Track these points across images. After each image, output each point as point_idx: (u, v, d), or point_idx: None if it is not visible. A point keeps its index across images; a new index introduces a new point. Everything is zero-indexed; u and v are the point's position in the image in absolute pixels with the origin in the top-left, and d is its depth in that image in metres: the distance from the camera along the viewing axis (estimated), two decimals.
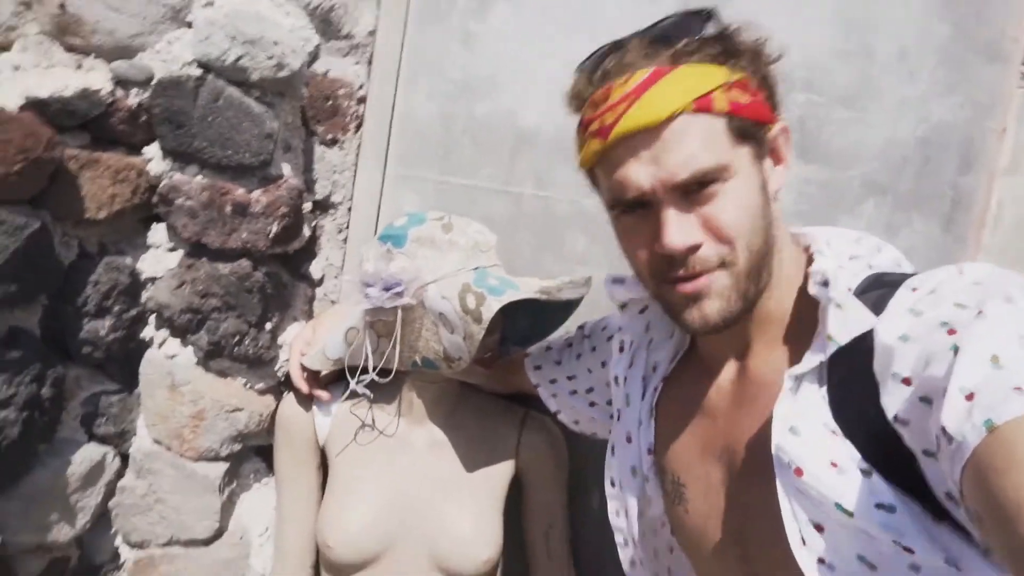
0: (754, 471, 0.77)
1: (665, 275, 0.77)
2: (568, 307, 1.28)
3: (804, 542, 0.67)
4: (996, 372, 0.52)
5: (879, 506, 0.62)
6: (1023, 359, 0.52)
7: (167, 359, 1.30)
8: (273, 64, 1.21)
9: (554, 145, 1.42)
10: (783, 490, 0.68)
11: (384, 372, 1.18)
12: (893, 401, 0.62)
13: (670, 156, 0.72)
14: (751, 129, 0.75)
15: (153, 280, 1.29)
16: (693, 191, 0.73)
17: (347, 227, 1.48)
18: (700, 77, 0.72)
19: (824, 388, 0.70)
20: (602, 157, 0.78)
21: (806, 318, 0.77)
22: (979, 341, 0.55)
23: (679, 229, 0.73)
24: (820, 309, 0.73)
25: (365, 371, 1.19)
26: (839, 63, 1.35)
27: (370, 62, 1.44)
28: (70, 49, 1.23)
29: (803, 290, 0.79)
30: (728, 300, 0.75)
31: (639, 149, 0.73)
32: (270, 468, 1.38)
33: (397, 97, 1.45)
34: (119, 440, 1.31)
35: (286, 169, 1.31)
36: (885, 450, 0.63)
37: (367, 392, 1.24)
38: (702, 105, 0.72)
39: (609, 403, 1.11)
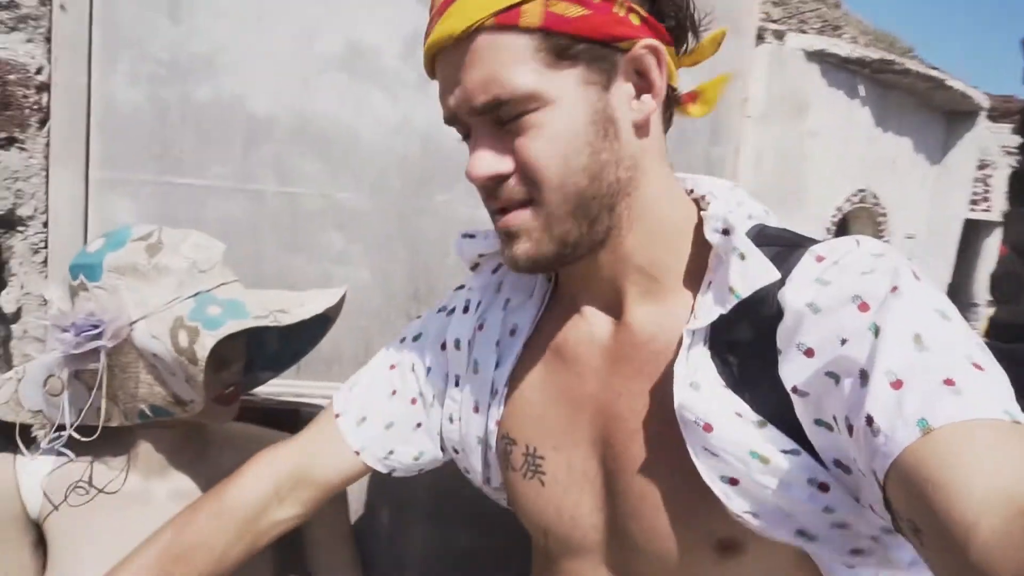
0: (635, 432, 0.70)
1: (488, 206, 0.70)
2: (326, 320, 1.13)
3: (728, 496, 0.62)
4: (921, 355, 0.50)
5: (784, 452, 0.60)
6: (945, 340, 0.50)
7: None
8: None
9: (296, 132, 1.25)
10: (692, 448, 0.63)
11: (86, 430, 0.96)
12: (792, 370, 0.59)
13: (468, 76, 0.63)
14: (579, 49, 0.63)
15: None
16: (504, 120, 0.64)
17: (45, 246, 1.20)
18: None
19: (706, 344, 0.65)
20: (431, 74, 0.70)
21: (692, 268, 0.70)
22: (899, 321, 0.52)
23: (481, 158, 0.65)
24: (714, 256, 0.67)
25: (62, 428, 0.97)
26: None
27: (48, 39, 1.16)
28: None
29: (691, 237, 0.71)
30: (537, 242, 0.67)
31: (444, 67, 0.66)
32: None
33: (91, 82, 1.19)
34: None
35: None
36: (775, 413, 0.61)
37: (67, 452, 1.02)
38: (505, 19, 0.61)
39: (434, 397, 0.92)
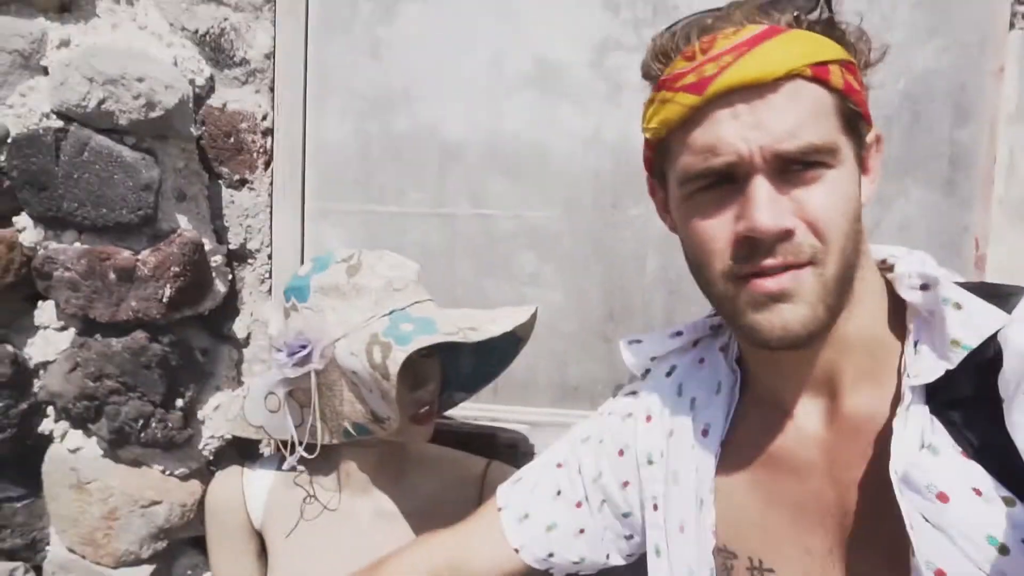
0: (873, 531, 0.63)
1: (743, 266, 0.64)
2: (519, 341, 1.10)
3: None
4: None
5: None
6: None
7: (70, 454, 1.13)
8: (142, 104, 1.06)
9: (487, 156, 1.25)
10: (910, 520, 0.56)
11: (310, 447, 1.01)
12: (1016, 418, 0.53)
13: (778, 121, 0.61)
14: (857, 120, 0.65)
15: (45, 366, 1.13)
16: (794, 170, 0.62)
17: (270, 276, 1.31)
18: (819, 45, 0.63)
19: (927, 407, 0.60)
20: (691, 116, 0.65)
21: (892, 341, 0.67)
22: None
23: (772, 207, 0.61)
24: (913, 315, 0.65)
25: (293, 449, 1.02)
26: None
27: (272, 88, 1.28)
28: None
29: (889, 311, 0.69)
30: (814, 308, 0.63)
31: (740, 108, 0.62)
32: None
33: (307, 123, 1.29)
34: (30, 552, 1.15)
35: (182, 221, 1.15)
36: (1019, 475, 0.53)
37: (299, 468, 1.08)
38: (820, 73, 0.62)
39: (614, 510, 0.87)
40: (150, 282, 1.09)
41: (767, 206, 0.61)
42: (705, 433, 0.77)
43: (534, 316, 1.03)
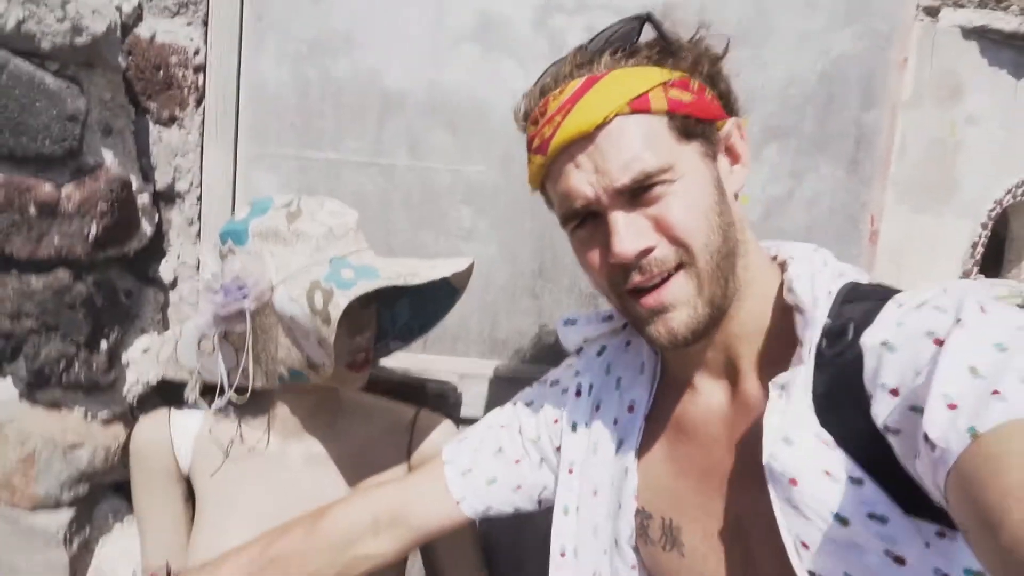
0: (751, 489, 0.70)
1: (622, 285, 0.74)
2: (454, 293, 1.13)
3: (799, 557, 0.64)
4: (975, 381, 0.53)
5: (871, 516, 0.61)
6: (1000, 366, 0.52)
7: None
8: (67, 28, 1.00)
9: (427, 107, 1.26)
10: (776, 502, 0.65)
11: (241, 390, 1.01)
12: (883, 411, 0.61)
13: (609, 161, 0.70)
14: (696, 127, 0.72)
15: None
16: (639, 194, 0.71)
17: (199, 219, 1.28)
18: (635, 79, 0.71)
19: (809, 397, 0.67)
20: (547, 172, 0.77)
21: (787, 328, 0.73)
22: (958, 351, 0.55)
23: (628, 233, 0.70)
24: (796, 316, 0.71)
25: (223, 391, 1.02)
26: None
27: (206, 23, 1.23)
28: None
29: (779, 299, 0.76)
30: (694, 308, 0.72)
31: (579, 157, 0.72)
32: (131, 505, 1.20)
33: (242, 63, 1.25)
34: None
35: (107, 156, 1.11)
36: (878, 459, 0.61)
37: (230, 411, 1.08)
38: (638, 105, 0.70)
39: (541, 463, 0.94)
40: (74, 218, 1.05)
41: (623, 234, 0.70)
42: (631, 409, 0.86)
43: (471, 268, 1.06)
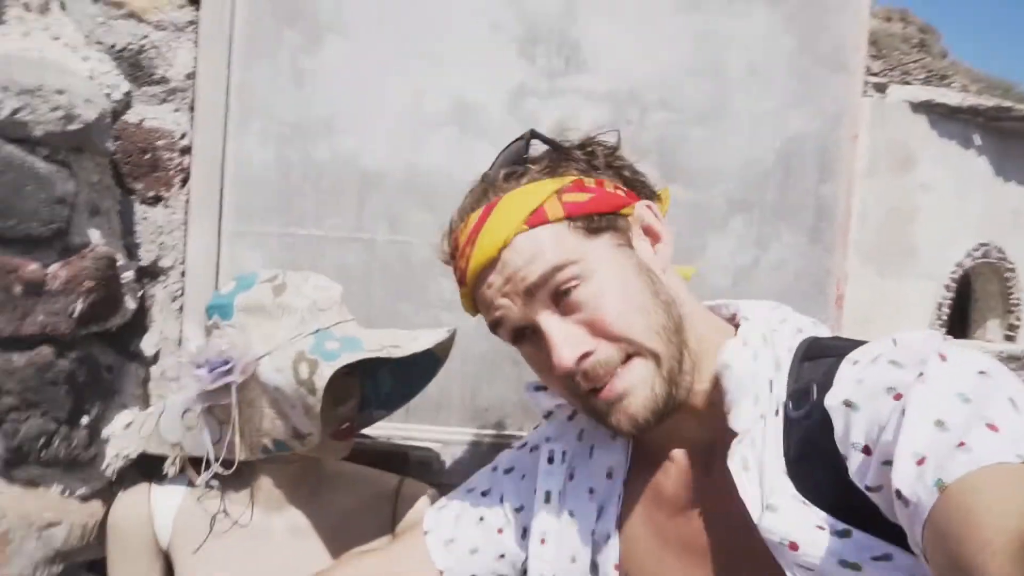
0: (745, 562, 0.70)
1: (577, 389, 0.73)
2: (436, 362, 1.16)
3: None
4: (941, 435, 0.53)
5: (875, 558, 0.60)
6: (964, 418, 0.53)
7: None
8: (60, 116, 1.04)
9: (405, 185, 1.31)
10: (789, 570, 0.64)
11: (227, 463, 1.02)
12: (859, 471, 0.61)
13: (514, 267, 0.72)
14: (600, 221, 0.74)
15: None
16: (560, 299, 0.71)
17: (182, 294, 1.30)
18: (528, 195, 0.73)
19: (782, 462, 0.67)
20: (473, 301, 0.80)
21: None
22: (922, 405, 0.56)
23: (565, 344, 0.70)
24: (722, 389, 0.72)
25: (208, 464, 1.02)
26: (691, 81, 1.32)
27: (192, 108, 1.29)
28: None
29: None
30: (652, 388, 0.71)
31: (490, 278, 0.74)
32: None
33: (227, 145, 1.30)
34: None
35: (94, 236, 1.13)
36: (861, 514, 0.61)
37: (214, 484, 1.08)
38: (534, 220, 0.72)
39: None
40: (60, 296, 1.06)
41: (560, 346, 0.70)
42: (610, 476, 0.85)
43: (452, 337, 1.10)
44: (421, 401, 1.26)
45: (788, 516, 0.64)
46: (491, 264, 0.73)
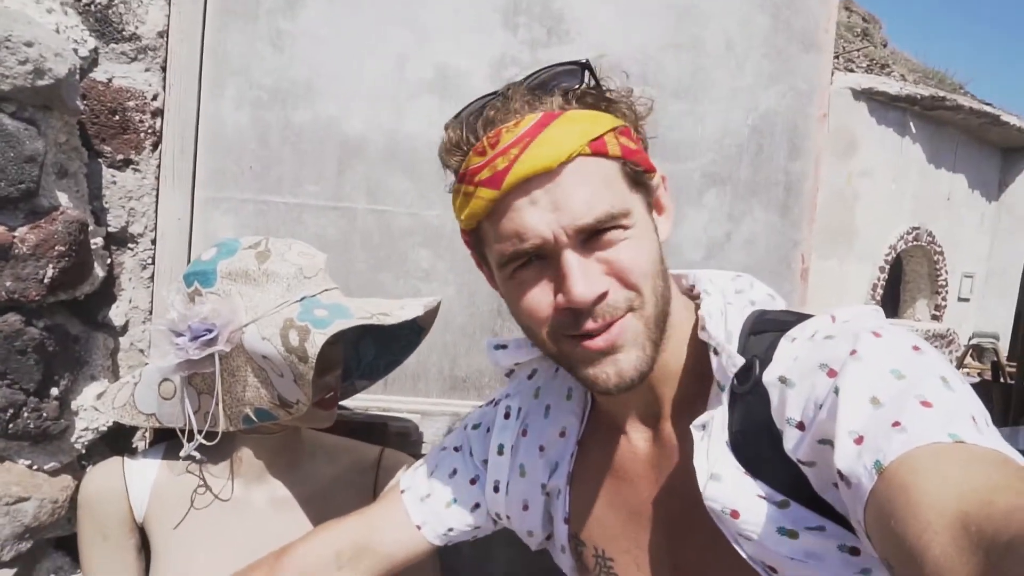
0: (688, 530, 0.72)
1: (569, 330, 0.70)
2: (419, 331, 1.15)
3: None
4: (876, 411, 0.54)
5: (808, 528, 0.63)
6: (898, 394, 0.54)
7: None
8: (29, 70, 0.99)
9: (386, 153, 1.29)
10: (731, 537, 0.66)
11: (210, 435, 0.99)
12: (793, 446, 0.62)
13: (571, 200, 0.67)
14: (641, 176, 0.72)
15: None
16: (594, 237, 0.68)
17: (152, 262, 1.26)
18: (591, 121, 0.70)
19: (726, 435, 0.69)
20: (494, 208, 0.70)
21: (702, 366, 0.73)
22: (858, 383, 0.57)
23: (584, 278, 0.67)
24: (711, 355, 0.71)
25: (191, 436, 1.00)
26: (670, 55, 1.33)
27: (164, 68, 1.24)
28: None
29: (694, 337, 0.76)
30: (643, 348, 0.70)
31: (537, 194, 0.68)
32: (76, 562, 1.14)
33: (201, 108, 1.26)
34: None
35: (63, 199, 1.08)
36: (798, 486, 0.63)
37: (196, 455, 1.06)
38: (597, 147, 0.69)
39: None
40: (29, 261, 1.02)
41: (579, 278, 0.67)
42: (563, 434, 0.88)
43: (438, 307, 1.10)
44: (399, 373, 1.25)
45: (731, 486, 0.66)
46: (545, 176, 0.67)
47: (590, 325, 0.69)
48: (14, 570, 1.07)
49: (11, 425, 1.03)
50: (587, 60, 0.73)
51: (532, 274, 0.71)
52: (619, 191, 0.70)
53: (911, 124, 5.67)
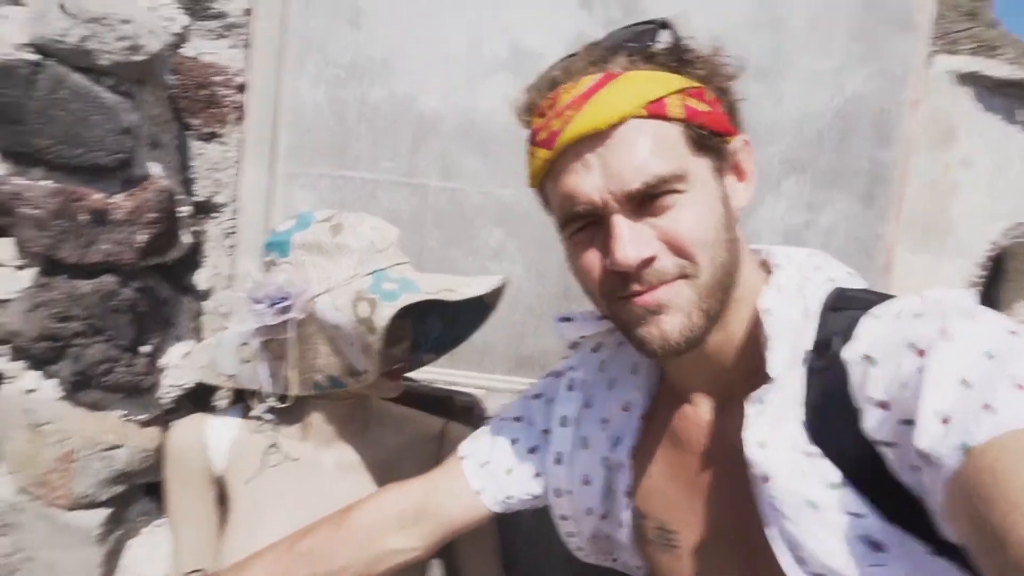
0: (743, 501, 0.71)
1: (618, 292, 0.70)
2: (485, 308, 1.17)
3: (791, 558, 0.64)
4: (966, 393, 0.53)
5: (848, 512, 0.62)
6: (990, 376, 0.52)
7: (24, 395, 1.11)
8: (126, 46, 1.05)
9: (460, 131, 1.31)
10: (761, 508, 0.66)
11: (282, 397, 1.04)
12: (873, 424, 0.61)
13: (621, 163, 0.66)
14: (710, 139, 0.69)
15: (3, 304, 1.10)
16: (647, 202, 0.67)
17: (234, 232, 1.32)
18: (652, 82, 0.68)
19: (801, 410, 0.67)
20: (550, 168, 0.72)
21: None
22: (947, 363, 0.55)
23: (631, 241, 0.66)
24: (760, 333, 0.70)
25: (265, 398, 1.06)
26: (751, 35, 1.29)
27: (248, 44, 1.29)
28: None
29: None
30: (689, 316, 0.69)
31: (587, 157, 0.68)
32: (162, 508, 1.22)
33: (281, 84, 1.30)
34: None
35: (155, 169, 1.15)
36: (863, 469, 0.62)
37: (269, 416, 1.11)
38: (655, 110, 0.67)
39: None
40: (124, 227, 1.08)
41: (626, 241, 0.66)
42: (627, 408, 0.87)
43: (503, 286, 1.11)
44: (466, 348, 1.27)
45: (776, 454, 0.65)
46: (595, 138, 0.67)
47: (636, 288, 0.68)
48: (110, 510, 1.16)
49: (107, 378, 1.11)
50: (664, 19, 0.71)
51: (586, 237, 0.71)
52: (677, 155, 0.67)
53: (1018, 112, 5.28)
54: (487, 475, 0.94)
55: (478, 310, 1.18)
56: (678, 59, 0.70)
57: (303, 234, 1.03)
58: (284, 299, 1.01)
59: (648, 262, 0.67)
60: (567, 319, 0.92)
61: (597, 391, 0.91)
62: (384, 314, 0.95)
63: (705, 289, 0.69)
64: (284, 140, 1.31)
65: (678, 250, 0.68)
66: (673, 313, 0.68)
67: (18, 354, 1.11)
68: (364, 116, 1.31)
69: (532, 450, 0.95)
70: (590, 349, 0.94)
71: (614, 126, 0.66)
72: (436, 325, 1.21)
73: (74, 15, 1.02)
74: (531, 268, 1.33)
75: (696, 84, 0.70)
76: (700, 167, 0.69)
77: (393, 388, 1.11)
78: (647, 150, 0.66)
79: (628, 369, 0.89)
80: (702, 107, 0.69)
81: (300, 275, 1.02)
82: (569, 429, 0.90)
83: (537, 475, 0.94)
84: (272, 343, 1.05)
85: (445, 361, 1.31)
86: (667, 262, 0.68)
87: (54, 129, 1.04)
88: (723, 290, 0.70)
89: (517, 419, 0.99)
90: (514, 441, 0.96)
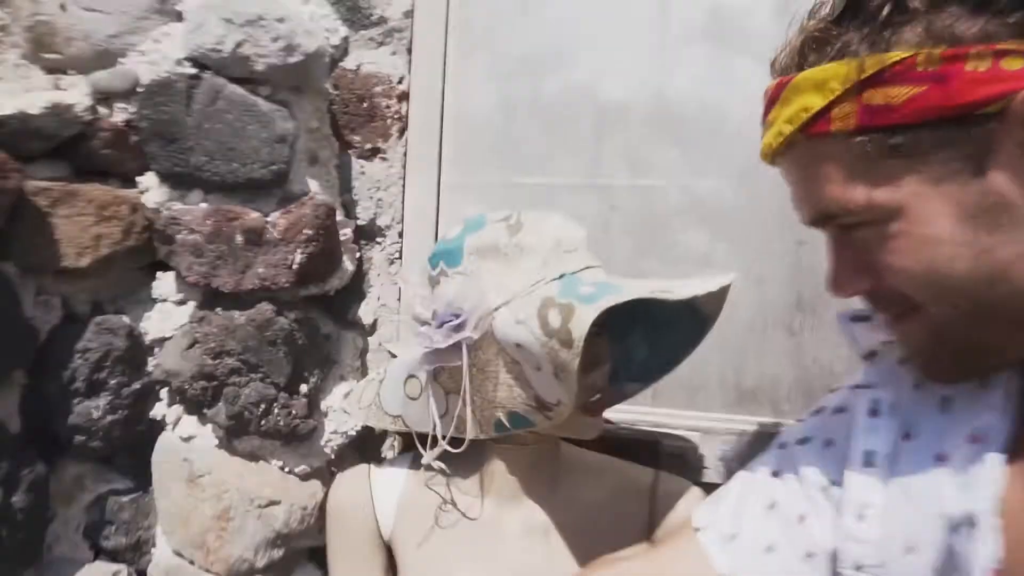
0: None
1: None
2: (702, 323, 0.92)
3: None
4: None
5: None
6: None
7: (182, 443, 1.01)
8: (281, 47, 0.95)
9: (649, 119, 1.10)
10: None
11: (455, 441, 0.85)
12: None
13: (798, 190, 0.60)
14: (922, 138, 0.51)
15: (161, 343, 1.02)
16: (851, 230, 0.57)
17: (399, 256, 1.18)
18: (818, 86, 0.54)
19: None
20: None
21: None
22: None
23: (836, 274, 0.60)
24: None
25: (435, 443, 0.87)
26: None
27: (409, 50, 1.17)
28: (50, 70, 1.02)
29: None
30: (932, 357, 0.59)
31: (783, 174, 0.62)
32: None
33: (446, 86, 1.17)
34: (134, 554, 1.03)
35: (313, 185, 1.04)
36: None
37: (442, 466, 0.92)
38: (814, 130, 0.55)
39: None
40: (279, 246, 0.97)
41: (835, 271, 0.60)
42: (976, 440, 0.60)
43: (726, 289, 0.86)
44: (672, 381, 1.02)
45: None
46: (775, 160, 0.61)
47: (879, 310, 0.61)
48: None
49: (263, 421, 0.98)
50: None
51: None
52: (852, 181, 0.54)
53: None
54: (736, 553, 0.68)
55: (692, 326, 0.93)
56: (881, 23, 0.52)
57: (475, 236, 0.85)
58: (456, 316, 0.82)
59: (863, 292, 0.61)
60: (862, 318, 0.69)
61: (920, 417, 0.64)
62: (583, 320, 0.73)
63: (945, 329, 0.57)
64: (449, 148, 1.17)
65: (887, 288, 0.59)
66: (913, 353, 0.61)
67: (175, 397, 1.01)
68: (536, 113, 1.14)
69: (801, 517, 0.68)
70: (896, 361, 0.67)
71: (776, 156, 0.60)
72: (640, 348, 0.98)
73: (229, 20, 0.94)
74: (748, 276, 1.07)
75: (903, 54, 0.51)
76: (904, 183, 0.53)
77: (593, 426, 0.88)
78: (810, 182, 0.58)
79: (973, 383, 0.62)
80: (901, 94, 0.51)
81: (474, 286, 0.83)
82: (879, 470, 0.63)
83: (810, 555, 0.66)
84: (443, 374, 0.87)
85: (646, 398, 1.07)
86: (888, 298, 0.60)
87: (210, 143, 0.96)
88: (979, 325, 0.56)
89: (774, 474, 0.72)
90: (771, 506, 0.69)
